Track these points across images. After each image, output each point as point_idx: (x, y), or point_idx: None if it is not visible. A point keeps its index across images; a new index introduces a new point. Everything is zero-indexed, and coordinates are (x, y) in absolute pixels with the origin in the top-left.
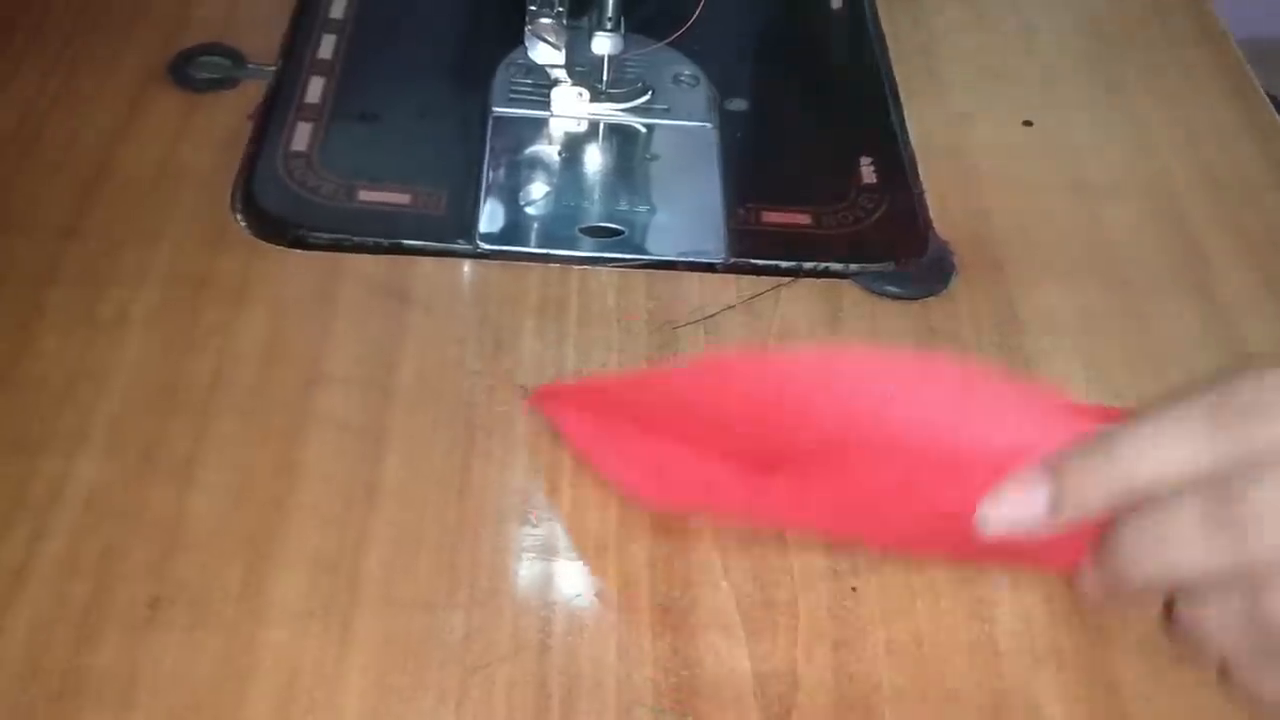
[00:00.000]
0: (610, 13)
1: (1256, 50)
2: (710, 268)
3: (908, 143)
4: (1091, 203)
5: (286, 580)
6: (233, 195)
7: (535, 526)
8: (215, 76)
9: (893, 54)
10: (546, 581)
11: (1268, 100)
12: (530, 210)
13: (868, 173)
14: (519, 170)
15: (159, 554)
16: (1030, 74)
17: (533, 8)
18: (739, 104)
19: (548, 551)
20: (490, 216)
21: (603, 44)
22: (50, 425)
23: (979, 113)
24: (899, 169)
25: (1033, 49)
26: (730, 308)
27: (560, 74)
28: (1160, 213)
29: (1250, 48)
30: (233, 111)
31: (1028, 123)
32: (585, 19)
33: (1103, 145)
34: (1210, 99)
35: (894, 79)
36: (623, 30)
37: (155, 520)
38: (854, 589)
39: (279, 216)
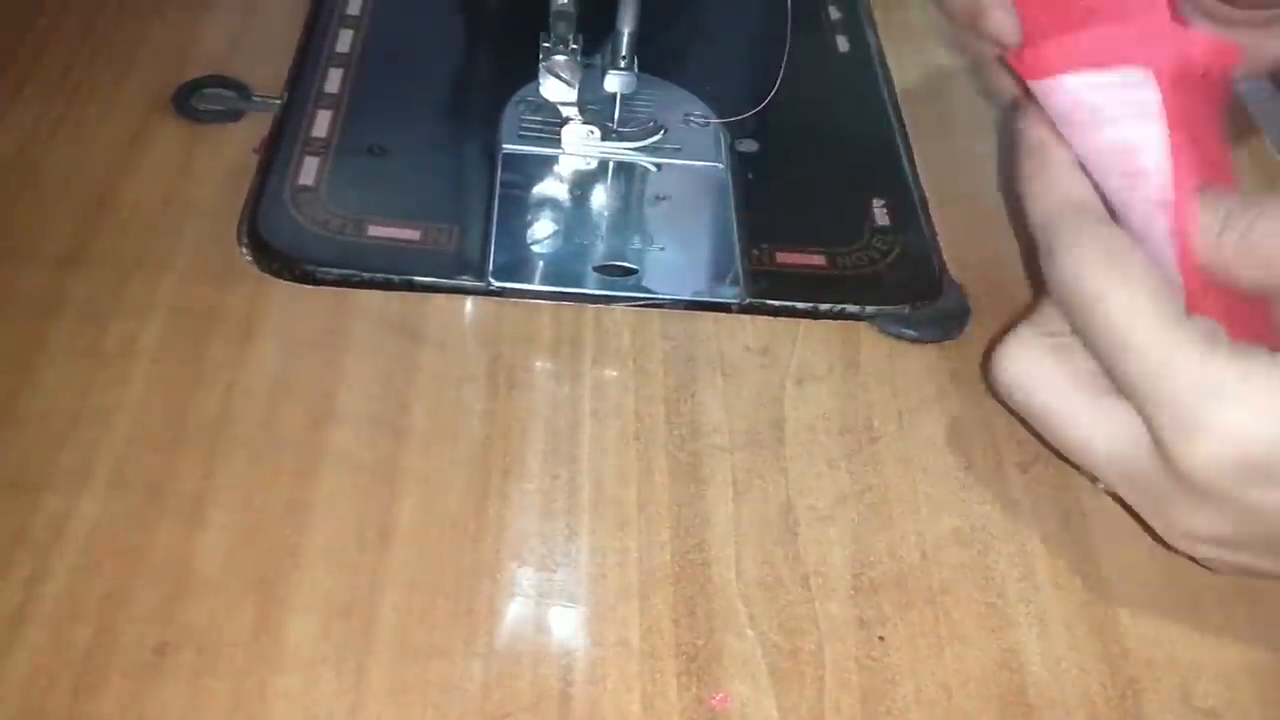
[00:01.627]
0: (624, 51)
1: None
2: (725, 308)
3: (919, 184)
4: None
5: (299, 625)
6: (239, 229)
7: (554, 572)
8: (219, 109)
9: (900, 94)
10: (567, 629)
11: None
12: (542, 248)
13: (880, 214)
14: (530, 207)
15: (165, 597)
16: None
17: (546, 44)
18: (749, 145)
19: (568, 598)
20: (501, 253)
21: (615, 82)
22: (52, 462)
23: (988, 155)
24: (911, 211)
25: None
26: (747, 349)
27: (571, 111)
28: None
29: None
30: (238, 144)
31: None
32: (598, 56)
33: None
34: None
35: (903, 120)
36: (635, 69)
37: (161, 561)
38: (881, 638)
39: (287, 251)
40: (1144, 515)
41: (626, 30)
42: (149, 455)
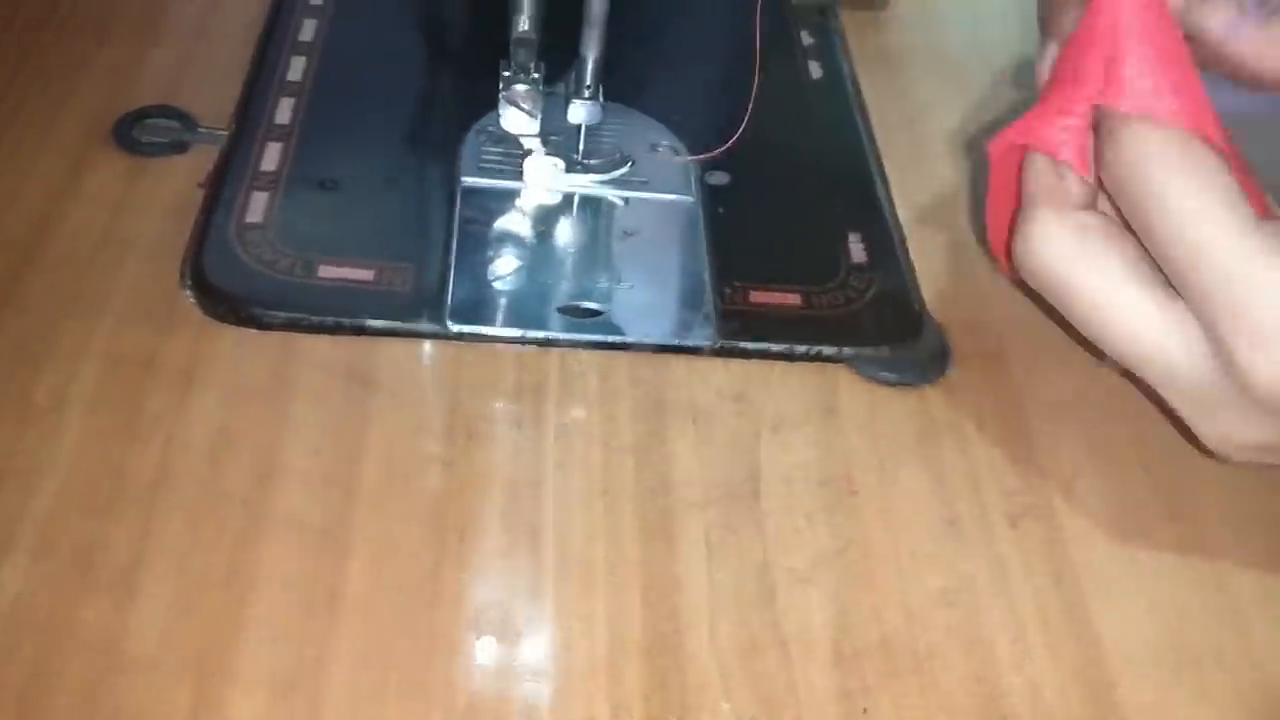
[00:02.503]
0: (589, 80)
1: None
2: (697, 350)
3: (896, 219)
4: None
5: (240, 704)
6: (182, 268)
7: (515, 643)
8: (163, 140)
9: (875, 125)
10: (529, 706)
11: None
12: (503, 288)
13: (857, 250)
14: (490, 244)
15: (95, 675)
16: None
17: (506, 73)
18: (720, 177)
19: (531, 672)
20: (460, 294)
21: (580, 113)
22: None
23: (966, 188)
24: (889, 246)
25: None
26: (720, 394)
27: (533, 143)
28: None
29: None
30: (182, 178)
31: None
32: (561, 85)
33: None
34: None
35: (878, 151)
36: (601, 98)
37: (90, 638)
38: (865, 710)
39: (232, 293)
40: (1186, 417)
41: (591, 57)
42: (78, 519)
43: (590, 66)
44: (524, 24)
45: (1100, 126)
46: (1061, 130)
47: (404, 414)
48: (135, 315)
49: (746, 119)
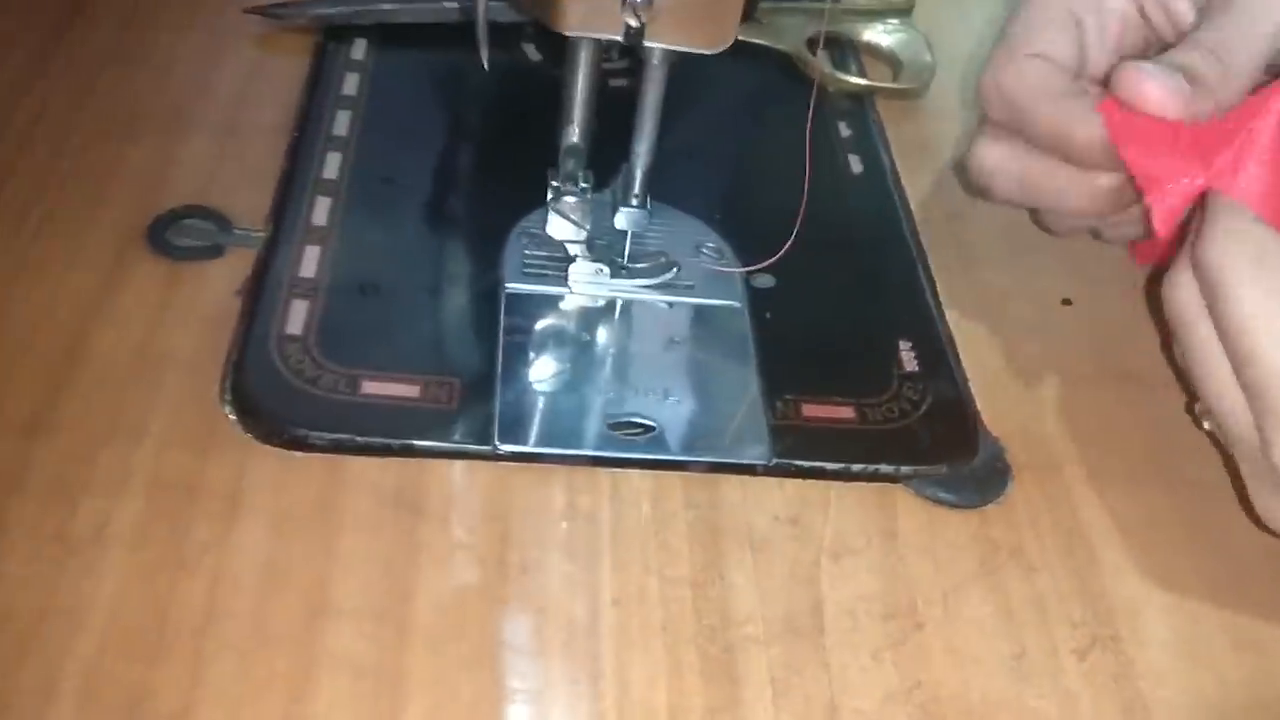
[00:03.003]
0: (637, 189)
1: None
2: (751, 469)
3: (945, 322)
4: (1144, 394)
5: None
6: (221, 385)
7: None
8: (198, 244)
9: (919, 221)
10: None
11: None
12: (552, 403)
13: (908, 359)
14: (537, 355)
15: None
16: (1060, 245)
17: (554, 183)
18: (766, 280)
19: None
20: (508, 412)
21: (626, 220)
22: (12, 676)
23: (1014, 289)
24: (940, 354)
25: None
26: (777, 518)
27: (578, 248)
28: None
29: None
30: (219, 284)
31: (1067, 301)
32: (608, 191)
33: (1145, 327)
34: None
35: (924, 250)
36: (648, 205)
37: None
38: None
39: (274, 412)
40: (1247, 479)
41: (640, 166)
42: (124, 664)
43: (639, 175)
44: (574, 135)
45: (1208, 204)
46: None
47: (454, 544)
48: (176, 437)
49: (796, 230)
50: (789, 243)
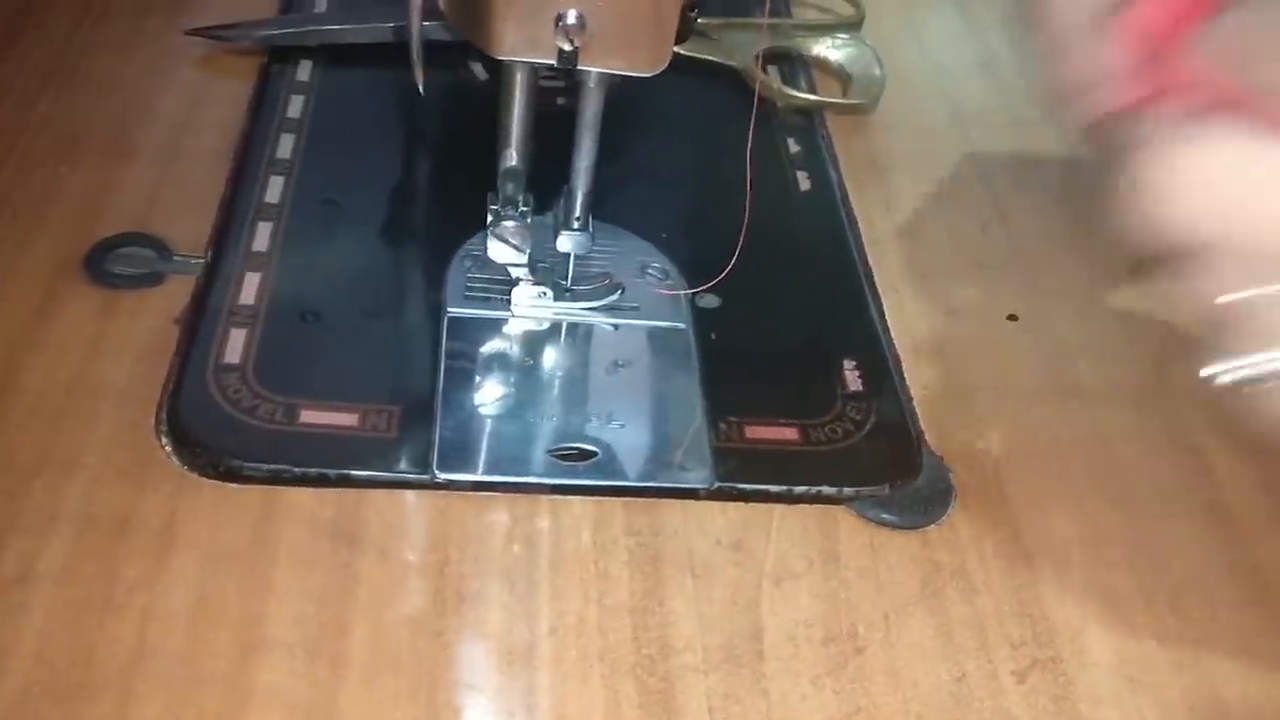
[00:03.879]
0: (578, 212)
1: None
2: (693, 494)
3: (890, 342)
4: (1088, 409)
5: None
6: (157, 416)
7: None
8: (137, 272)
9: (865, 239)
10: None
11: None
12: (493, 429)
13: (853, 378)
14: (479, 381)
15: None
16: (1008, 260)
17: (494, 207)
18: (711, 300)
19: None
20: (448, 439)
21: (568, 243)
22: None
23: (961, 305)
24: (885, 372)
25: (1011, 232)
26: (719, 543)
27: (521, 271)
28: (1160, 421)
29: None
30: (157, 313)
31: (1013, 317)
32: (549, 215)
33: (1091, 341)
34: None
35: (870, 268)
36: (590, 228)
37: None
38: None
39: (210, 444)
40: None
41: (581, 191)
42: (50, 705)
43: (580, 197)
44: (512, 158)
45: None
46: None
47: (392, 575)
48: (109, 471)
49: (738, 252)
50: (730, 264)
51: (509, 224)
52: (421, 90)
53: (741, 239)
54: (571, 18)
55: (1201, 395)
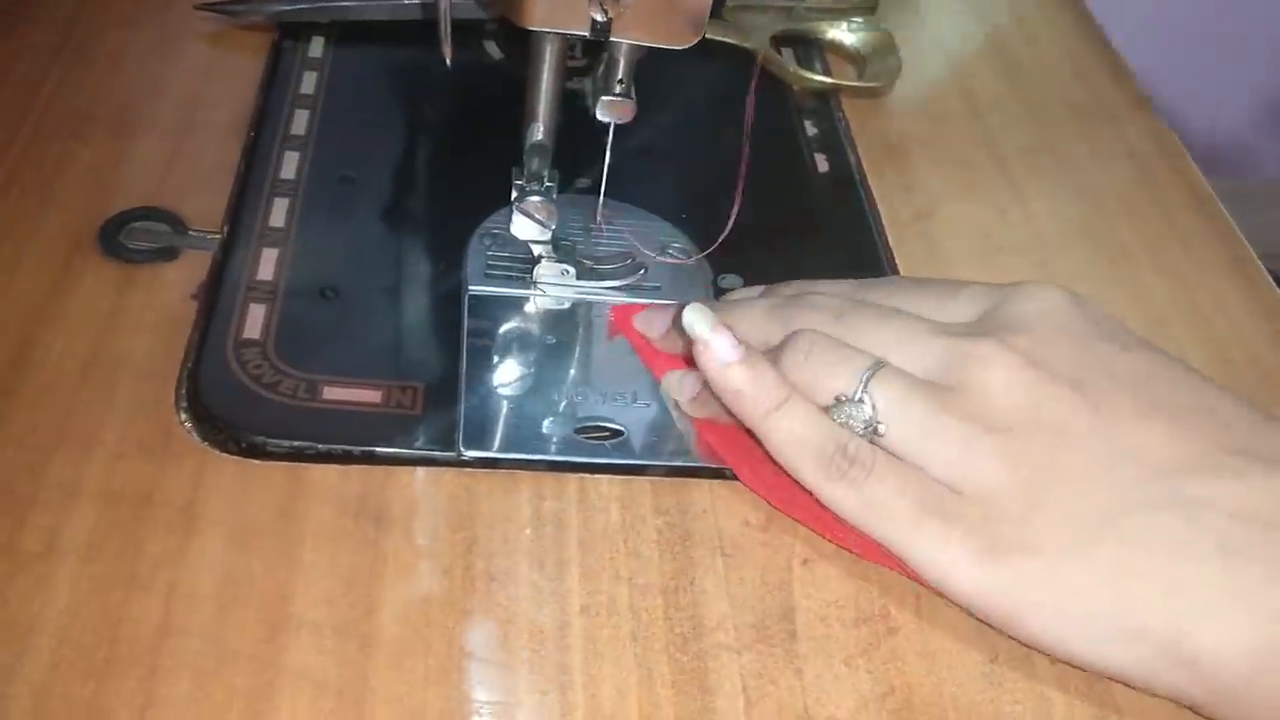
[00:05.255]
0: (621, 74)
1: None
2: (721, 473)
3: None
4: None
5: None
6: (177, 392)
7: None
8: (152, 246)
9: (886, 222)
10: None
11: (1262, 267)
12: (517, 407)
13: None
14: (502, 359)
15: None
16: (1028, 244)
17: (519, 182)
18: (733, 280)
19: None
20: (472, 417)
21: (607, 110)
22: None
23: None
24: None
25: (1028, 217)
26: (747, 524)
27: (543, 249)
28: None
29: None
30: (174, 287)
31: None
32: (587, 81)
33: None
34: (1209, 270)
35: (890, 250)
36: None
37: None
38: None
39: (231, 420)
40: None
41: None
42: (76, 682)
43: (623, 62)
44: (539, 132)
45: None
46: None
47: (419, 554)
48: (130, 446)
49: (736, 207)
50: (729, 226)
51: (534, 199)
52: (449, 62)
53: (737, 201)
54: None
55: (1222, 379)
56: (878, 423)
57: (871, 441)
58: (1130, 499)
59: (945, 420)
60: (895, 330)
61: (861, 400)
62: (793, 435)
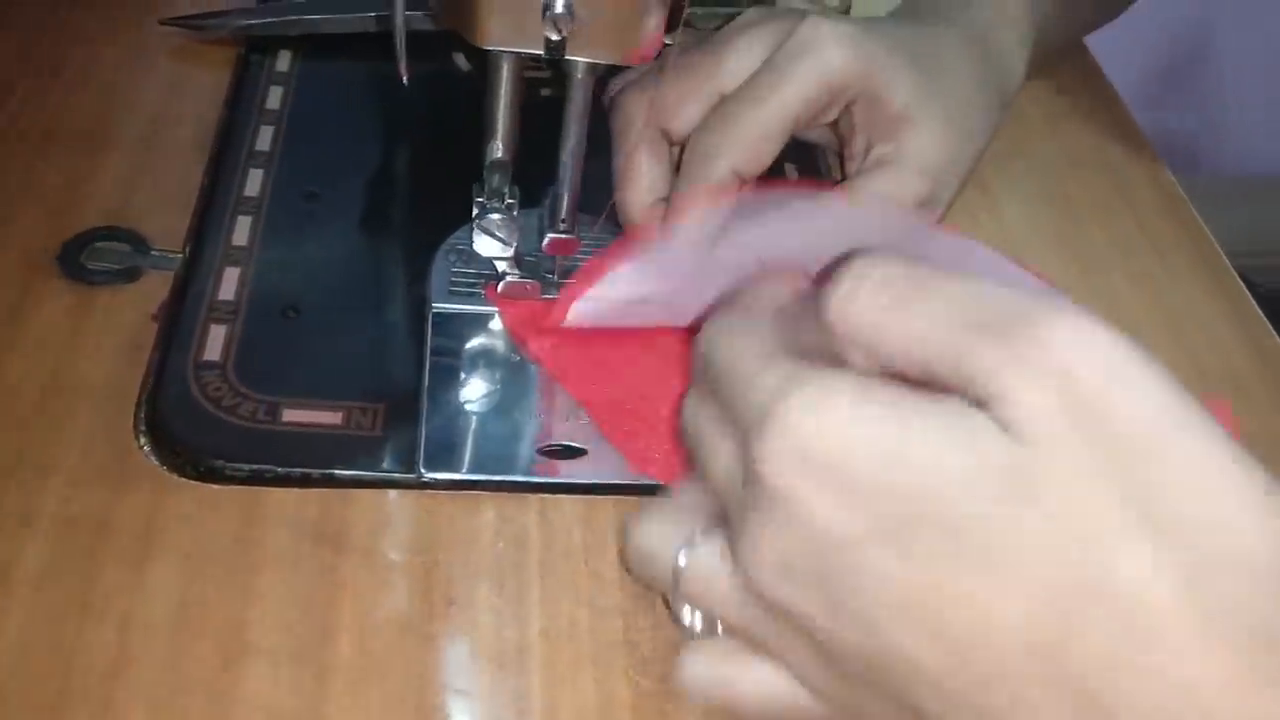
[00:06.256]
0: (564, 214)
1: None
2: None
3: None
4: None
5: None
6: (135, 415)
7: None
8: (113, 267)
9: None
10: None
11: (1237, 276)
12: (480, 427)
13: None
14: (465, 377)
15: None
16: (1034, 240)
17: (480, 200)
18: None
19: None
20: (434, 438)
21: (555, 245)
22: None
23: None
24: None
25: (1001, 223)
26: None
27: (506, 265)
28: None
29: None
30: (134, 308)
31: None
32: (536, 214)
33: (1120, 318)
34: (1182, 278)
35: None
36: (577, 231)
37: None
38: None
39: (190, 443)
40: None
41: (567, 192)
42: (28, 715)
43: (566, 196)
44: (498, 150)
45: None
46: None
47: (378, 579)
48: (86, 472)
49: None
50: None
51: (495, 216)
52: (405, 81)
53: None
54: (559, 6)
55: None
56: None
57: None
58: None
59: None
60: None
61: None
62: None
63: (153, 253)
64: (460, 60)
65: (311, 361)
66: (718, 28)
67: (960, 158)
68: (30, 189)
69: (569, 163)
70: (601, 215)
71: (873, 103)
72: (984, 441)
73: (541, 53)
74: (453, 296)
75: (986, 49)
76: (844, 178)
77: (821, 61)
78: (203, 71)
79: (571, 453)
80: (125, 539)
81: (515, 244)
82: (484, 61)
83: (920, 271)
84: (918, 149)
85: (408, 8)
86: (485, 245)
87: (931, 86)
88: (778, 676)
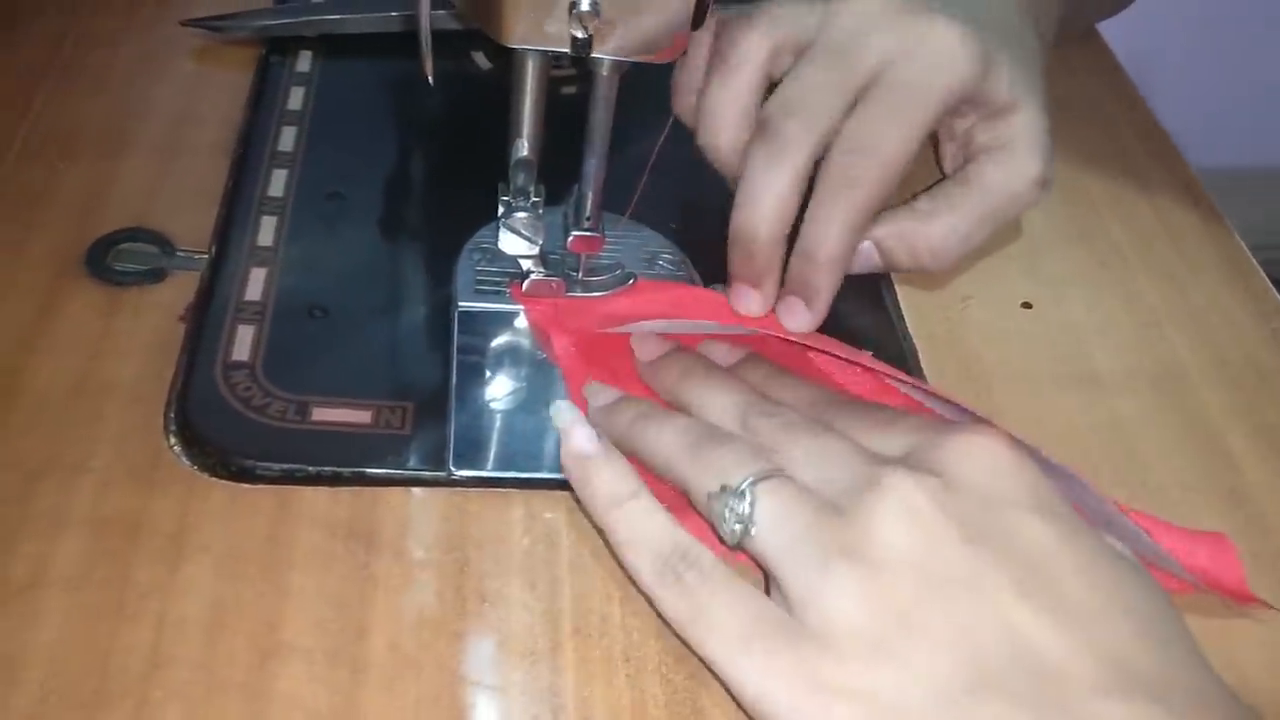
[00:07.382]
0: (589, 212)
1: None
2: None
3: (906, 331)
4: (1105, 397)
5: None
6: (165, 415)
7: None
8: (139, 268)
9: None
10: None
11: (1258, 266)
12: (508, 424)
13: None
14: (492, 375)
15: None
16: (1019, 248)
17: (505, 198)
18: (721, 290)
19: None
20: (462, 435)
21: (580, 244)
22: None
23: (974, 294)
24: (901, 362)
25: (1020, 219)
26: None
27: (531, 263)
28: (1177, 407)
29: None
30: (161, 309)
31: (1027, 305)
32: (561, 212)
33: (1106, 329)
34: (1202, 269)
35: None
36: (602, 229)
37: None
38: None
39: (221, 443)
40: None
41: (591, 189)
42: (66, 715)
43: (590, 195)
44: (524, 148)
45: None
46: None
47: (410, 576)
48: (118, 473)
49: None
50: (637, 194)
51: (520, 215)
52: (430, 80)
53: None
54: (585, 4)
55: (1221, 379)
56: (751, 522)
57: (740, 542)
58: (986, 683)
59: (815, 539)
60: (817, 445)
61: (743, 494)
62: (633, 531)
63: (178, 253)
64: (480, 59)
65: (339, 361)
66: None
67: (1051, 128)
68: (55, 192)
69: (593, 160)
70: (625, 213)
71: (981, 92)
72: None
73: (567, 50)
74: (478, 295)
75: (1035, 14)
76: (942, 169)
77: (956, 77)
78: (224, 72)
79: None
80: (158, 539)
81: (540, 242)
82: (506, 60)
83: None
84: (1025, 128)
85: (431, 6)
86: (510, 243)
87: (1025, 62)
88: None
